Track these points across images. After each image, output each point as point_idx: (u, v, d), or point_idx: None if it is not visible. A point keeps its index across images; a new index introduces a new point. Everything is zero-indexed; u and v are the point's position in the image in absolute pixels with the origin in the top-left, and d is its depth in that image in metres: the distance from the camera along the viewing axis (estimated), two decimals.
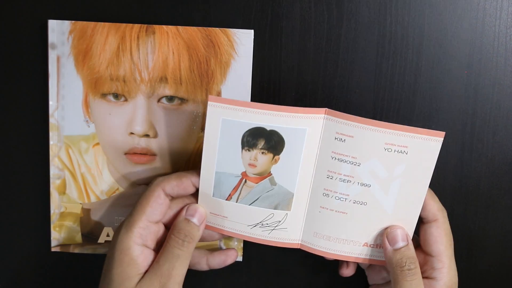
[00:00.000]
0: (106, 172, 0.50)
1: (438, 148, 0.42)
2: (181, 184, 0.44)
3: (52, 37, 0.48)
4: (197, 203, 0.46)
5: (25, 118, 0.50)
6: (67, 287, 0.52)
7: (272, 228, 0.46)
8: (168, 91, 0.48)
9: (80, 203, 0.51)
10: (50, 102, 0.49)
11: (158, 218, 0.44)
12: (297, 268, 0.52)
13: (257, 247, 0.48)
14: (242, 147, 0.44)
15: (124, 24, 0.48)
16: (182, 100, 0.49)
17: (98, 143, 0.50)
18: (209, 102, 0.42)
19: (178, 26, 0.48)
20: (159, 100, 0.49)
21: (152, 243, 0.44)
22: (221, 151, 0.44)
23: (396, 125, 0.42)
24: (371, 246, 0.45)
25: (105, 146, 0.50)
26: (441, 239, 0.44)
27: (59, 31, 0.48)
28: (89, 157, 0.50)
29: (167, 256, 0.42)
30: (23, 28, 0.49)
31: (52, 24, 0.48)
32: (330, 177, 0.44)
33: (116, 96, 0.49)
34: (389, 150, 0.43)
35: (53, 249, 0.51)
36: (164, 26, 0.48)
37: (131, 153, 0.50)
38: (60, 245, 0.51)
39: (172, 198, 0.45)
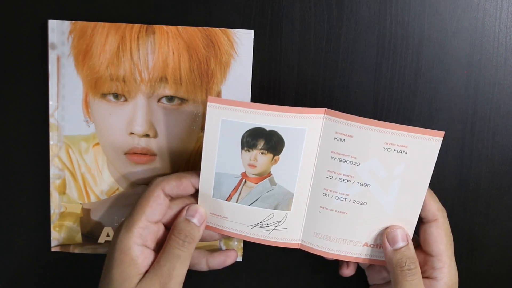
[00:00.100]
0: (106, 172, 0.50)
1: (437, 147, 0.42)
2: (180, 184, 0.44)
3: (52, 37, 0.48)
4: (197, 203, 0.46)
5: (25, 118, 0.50)
6: (67, 287, 0.52)
7: (272, 228, 0.46)
8: (168, 91, 0.48)
9: (80, 203, 0.51)
10: (50, 102, 0.49)
11: (157, 218, 0.44)
12: (297, 268, 0.52)
13: (257, 247, 0.48)
14: (242, 148, 0.44)
15: (124, 24, 0.48)
16: (182, 100, 0.49)
17: (98, 143, 0.50)
18: (208, 103, 0.42)
19: (178, 26, 0.48)
20: (159, 100, 0.49)
21: (152, 243, 0.44)
22: (220, 152, 0.44)
23: (396, 125, 0.42)
24: (371, 246, 0.45)
25: (105, 146, 0.50)
26: (441, 238, 0.44)
27: (59, 31, 0.48)
28: (89, 157, 0.50)
29: (167, 257, 0.42)
30: (23, 28, 0.49)
31: (52, 24, 0.48)
32: (330, 177, 0.44)
33: (116, 96, 0.49)
34: (388, 150, 0.43)
35: (53, 249, 0.51)
36: (164, 26, 0.48)
37: (131, 153, 0.50)
38: (60, 245, 0.51)
39: (172, 198, 0.45)
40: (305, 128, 0.43)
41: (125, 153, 0.50)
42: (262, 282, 0.52)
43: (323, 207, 0.45)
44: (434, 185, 0.46)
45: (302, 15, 0.48)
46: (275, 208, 0.45)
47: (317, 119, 0.43)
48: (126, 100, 0.49)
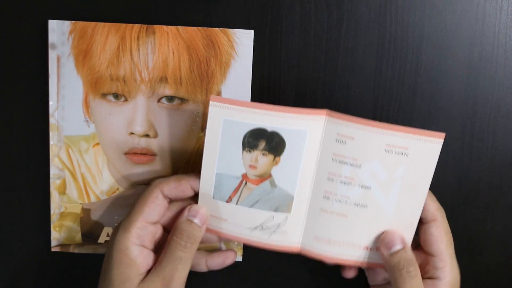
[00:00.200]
0: (106, 172, 0.50)
1: (438, 149, 0.42)
2: (179, 186, 0.44)
3: (52, 37, 0.48)
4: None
5: (25, 118, 0.50)
6: (67, 287, 0.52)
7: (272, 231, 0.45)
8: (168, 91, 0.49)
9: (80, 203, 0.51)
10: (50, 102, 0.49)
11: (155, 219, 0.44)
12: (296, 267, 0.52)
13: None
14: (243, 148, 0.43)
15: (124, 24, 0.48)
16: (182, 100, 0.49)
17: (98, 143, 0.50)
18: (210, 102, 0.42)
19: (178, 26, 0.48)
20: (159, 100, 0.49)
21: (150, 244, 0.44)
22: (222, 152, 0.44)
23: (397, 126, 0.42)
24: (372, 249, 0.45)
25: (105, 146, 0.50)
26: (441, 238, 0.44)
27: (59, 31, 0.48)
28: (89, 157, 0.50)
29: (169, 258, 0.42)
30: (24, 28, 0.49)
31: (52, 24, 0.48)
32: (330, 179, 0.44)
33: (116, 96, 0.49)
34: (389, 151, 0.42)
35: (53, 249, 0.51)
36: (164, 26, 0.48)
37: (131, 153, 0.50)
38: (60, 245, 0.51)
39: (171, 200, 0.45)
40: (307, 129, 0.43)
41: (125, 153, 0.50)
42: (262, 282, 0.52)
43: (323, 210, 0.45)
44: (434, 185, 0.46)
45: (302, 15, 0.48)
46: (276, 210, 0.45)
47: (319, 120, 0.43)
48: (126, 100, 0.49)
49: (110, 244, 0.43)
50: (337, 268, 0.49)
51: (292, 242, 0.46)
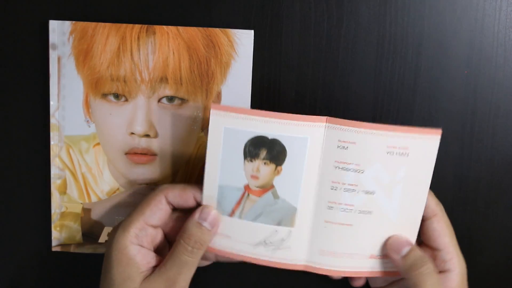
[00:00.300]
0: (107, 172, 0.50)
1: (436, 146, 0.42)
2: (183, 194, 0.44)
3: (53, 37, 0.48)
4: None
5: (26, 118, 0.50)
6: (67, 286, 0.53)
7: (276, 246, 0.44)
8: (168, 91, 0.49)
9: (81, 203, 0.51)
10: (51, 102, 0.49)
11: (156, 223, 0.44)
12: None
13: None
14: (245, 158, 0.43)
15: (124, 25, 0.48)
16: (183, 100, 0.49)
17: (98, 143, 0.50)
18: (211, 110, 0.42)
19: (179, 27, 0.48)
20: (159, 100, 0.49)
21: (148, 245, 0.43)
22: (223, 163, 0.43)
23: (396, 127, 0.42)
24: (378, 257, 0.45)
25: (106, 146, 0.50)
26: (444, 231, 0.44)
27: (60, 32, 0.48)
28: (89, 157, 0.50)
29: (174, 261, 0.42)
30: (24, 28, 0.49)
31: (53, 24, 0.48)
32: (334, 188, 0.43)
33: (117, 96, 0.49)
34: (391, 153, 0.42)
35: (53, 249, 0.51)
36: (164, 27, 0.48)
37: (131, 153, 0.50)
38: (61, 245, 0.51)
39: (174, 208, 0.45)
40: (307, 137, 0.42)
41: (126, 153, 0.50)
42: (263, 282, 0.52)
43: (327, 221, 0.44)
44: (434, 185, 0.46)
45: (302, 15, 0.48)
46: (279, 224, 0.44)
47: (319, 127, 0.42)
48: (126, 100, 0.49)
49: (109, 243, 0.43)
50: None
51: (296, 259, 0.45)
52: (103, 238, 0.51)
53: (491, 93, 0.49)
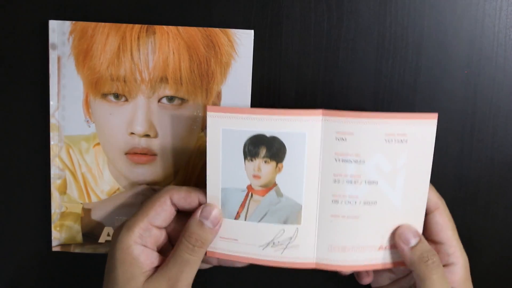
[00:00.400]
0: (107, 172, 0.50)
1: (433, 131, 0.42)
2: (188, 197, 0.44)
3: (53, 37, 0.48)
4: None
5: (25, 118, 0.50)
6: (67, 286, 0.53)
7: (284, 246, 0.44)
8: (168, 91, 0.49)
9: (81, 203, 0.51)
10: (51, 102, 0.49)
11: (160, 224, 0.44)
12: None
13: None
14: (245, 157, 0.43)
15: (124, 25, 0.48)
16: (183, 100, 0.49)
17: (98, 143, 0.50)
18: (208, 113, 0.42)
19: (179, 27, 0.48)
20: (159, 100, 0.49)
21: (152, 246, 0.43)
22: (224, 165, 0.43)
23: (393, 113, 0.42)
24: (386, 248, 0.44)
25: (106, 146, 0.50)
26: (447, 225, 0.44)
27: (59, 32, 0.48)
28: (89, 157, 0.50)
29: (176, 260, 0.42)
30: (24, 28, 0.49)
31: (53, 24, 0.48)
32: (336, 181, 0.43)
33: (117, 96, 0.49)
34: (390, 141, 0.42)
35: (53, 249, 0.51)
36: (164, 27, 0.48)
37: (131, 153, 0.50)
38: (61, 245, 0.51)
39: (178, 210, 0.45)
40: (305, 132, 0.42)
41: (126, 153, 0.50)
42: (263, 282, 0.52)
43: (334, 215, 0.44)
44: (434, 185, 0.46)
45: (302, 15, 0.48)
46: (285, 223, 0.44)
47: (316, 121, 0.42)
48: (126, 100, 0.49)
49: (112, 242, 0.43)
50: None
51: (306, 257, 0.45)
52: (103, 238, 0.51)
53: (491, 93, 0.49)
